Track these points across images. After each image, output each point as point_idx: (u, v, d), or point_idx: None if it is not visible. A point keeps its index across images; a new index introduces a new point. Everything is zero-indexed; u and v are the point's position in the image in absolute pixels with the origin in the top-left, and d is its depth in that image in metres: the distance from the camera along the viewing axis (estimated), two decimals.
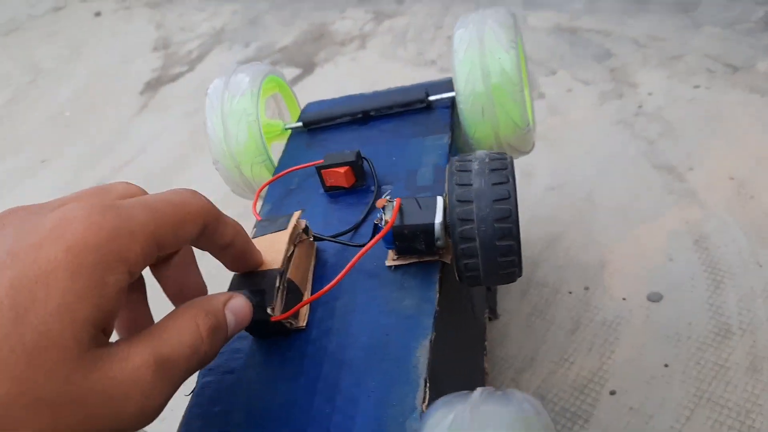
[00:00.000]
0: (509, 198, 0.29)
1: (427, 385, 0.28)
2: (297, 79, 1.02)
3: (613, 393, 0.42)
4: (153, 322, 0.28)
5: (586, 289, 0.49)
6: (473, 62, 0.41)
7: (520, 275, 0.31)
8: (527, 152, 0.45)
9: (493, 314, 0.48)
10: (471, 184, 0.30)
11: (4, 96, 1.29)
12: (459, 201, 0.29)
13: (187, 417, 0.30)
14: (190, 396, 0.31)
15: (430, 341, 0.29)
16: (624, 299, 0.48)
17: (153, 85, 1.17)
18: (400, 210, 0.32)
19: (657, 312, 0.46)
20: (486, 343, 0.44)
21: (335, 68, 1.03)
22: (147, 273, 0.28)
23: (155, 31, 1.45)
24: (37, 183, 0.92)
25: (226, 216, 0.27)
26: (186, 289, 0.29)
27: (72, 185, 0.88)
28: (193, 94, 1.08)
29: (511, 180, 0.29)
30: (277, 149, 0.48)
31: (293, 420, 0.28)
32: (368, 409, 0.27)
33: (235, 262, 0.29)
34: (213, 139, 0.44)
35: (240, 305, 0.27)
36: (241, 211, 0.61)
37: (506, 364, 0.46)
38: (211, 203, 0.26)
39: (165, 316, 0.25)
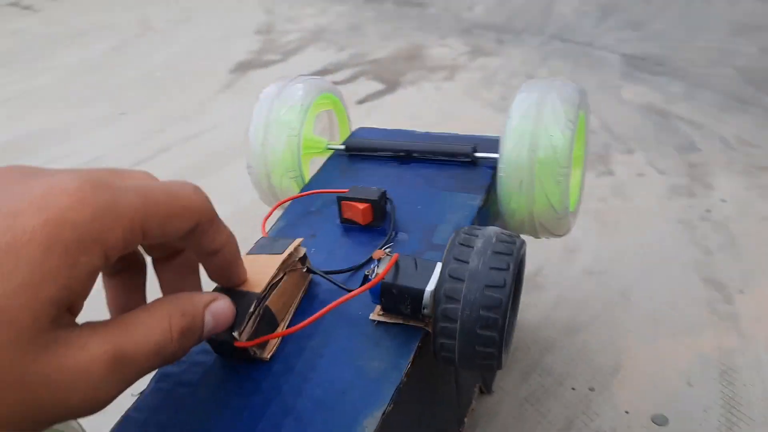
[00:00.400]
0: (503, 287, 0.27)
1: None
2: (377, 95, 1.02)
3: None
4: None
5: (591, 389, 0.46)
6: (524, 131, 0.39)
7: (499, 368, 0.29)
8: (561, 235, 0.43)
9: (487, 389, 0.46)
10: (467, 262, 0.28)
11: (109, 44, 1.34)
12: (450, 276, 0.28)
13: (124, 420, 0.29)
14: (137, 397, 0.30)
15: (383, 414, 0.27)
16: (627, 413, 0.44)
17: (244, 67, 1.19)
18: (396, 267, 0.31)
19: None
20: (466, 419, 0.42)
21: (417, 93, 1.02)
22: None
23: (264, 15, 1.49)
24: (109, 134, 0.95)
25: (221, 222, 0.26)
26: (212, 252, 0.27)
27: (140, 144, 0.90)
28: None
29: (511, 267, 0.27)
30: (317, 164, 0.47)
31: None
32: None
33: (218, 272, 0.28)
34: (251, 142, 0.44)
35: (222, 309, 0.26)
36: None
37: None
38: (210, 204, 0.25)
39: (141, 307, 0.24)
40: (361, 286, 0.31)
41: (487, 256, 0.28)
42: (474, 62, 1.12)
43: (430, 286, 0.29)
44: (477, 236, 0.29)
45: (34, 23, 1.52)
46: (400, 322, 0.31)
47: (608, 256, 0.60)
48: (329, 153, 0.47)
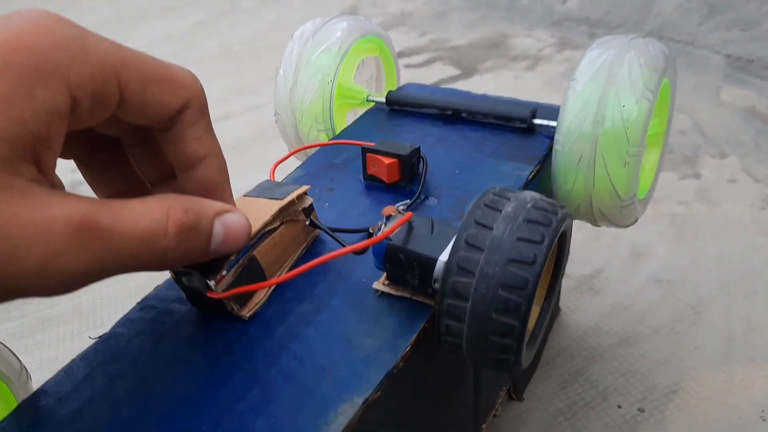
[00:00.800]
0: (532, 264, 0.21)
1: None
2: (451, 80, 0.97)
3: None
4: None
5: (641, 410, 0.39)
6: (590, 97, 0.33)
7: (517, 368, 0.23)
8: (625, 226, 0.36)
9: (517, 395, 0.40)
10: (491, 228, 0.22)
11: (197, 17, 1.36)
12: (467, 243, 0.22)
13: (72, 364, 0.25)
14: (95, 340, 0.26)
15: (365, 401, 0.22)
16: None
17: None
18: (408, 228, 0.25)
19: None
20: (484, 426, 0.36)
21: (494, 80, 0.96)
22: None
23: None
24: None
25: (211, 125, 0.23)
26: (194, 160, 0.23)
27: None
28: None
29: (546, 241, 0.21)
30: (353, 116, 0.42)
31: (177, 414, 0.22)
32: None
33: (201, 185, 0.24)
34: (279, 87, 0.39)
35: (236, 222, 0.23)
36: None
37: None
38: (204, 93, 0.22)
39: (138, 198, 0.21)
40: (367, 244, 0.26)
41: (517, 224, 0.22)
42: (560, 54, 1.05)
43: (445, 256, 0.24)
44: (509, 199, 0.23)
45: None
46: (408, 296, 0.26)
47: (682, 265, 0.52)
48: (369, 106, 0.42)
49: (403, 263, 0.25)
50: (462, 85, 0.95)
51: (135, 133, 0.25)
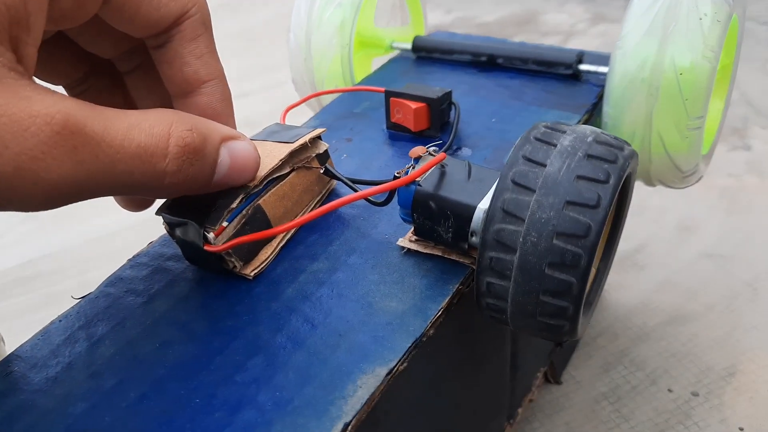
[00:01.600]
0: (597, 208, 0.17)
1: None
2: None
3: None
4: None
5: (695, 394, 0.35)
6: (642, 61, 0.28)
7: (571, 336, 0.19)
8: (683, 179, 0.32)
9: (554, 377, 0.36)
10: (544, 165, 0.18)
11: (221, 1, 1.32)
12: (514, 183, 0.18)
13: (50, 326, 0.22)
14: (77, 301, 0.23)
15: (390, 373, 0.18)
16: (741, 430, 0.33)
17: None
18: (440, 171, 0.21)
19: None
20: (520, 410, 0.32)
21: None
22: None
23: None
24: None
25: (214, 46, 0.20)
26: (194, 83, 0.21)
27: None
28: None
29: (612, 180, 0.17)
30: (378, 64, 0.38)
31: (166, 384, 0.19)
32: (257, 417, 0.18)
33: (202, 110, 0.21)
34: (293, 54, 0.35)
35: (244, 150, 0.20)
36: None
37: None
38: (207, 7, 0.20)
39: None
40: (390, 196, 0.22)
41: (576, 160, 0.18)
42: (594, 29, 1.00)
43: (485, 203, 0.20)
44: (564, 132, 0.19)
45: None
46: (438, 253, 0.22)
47: (735, 239, 0.48)
48: (393, 53, 0.38)
49: (434, 213, 0.21)
50: None
51: (130, 55, 0.22)
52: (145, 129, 0.17)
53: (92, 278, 0.49)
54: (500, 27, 1.05)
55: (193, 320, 0.21)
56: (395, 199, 0.22)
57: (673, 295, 0.43)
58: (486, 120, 0.30)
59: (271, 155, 0.24)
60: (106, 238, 0.54)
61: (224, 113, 0.21)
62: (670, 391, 0.36)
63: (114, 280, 0.23)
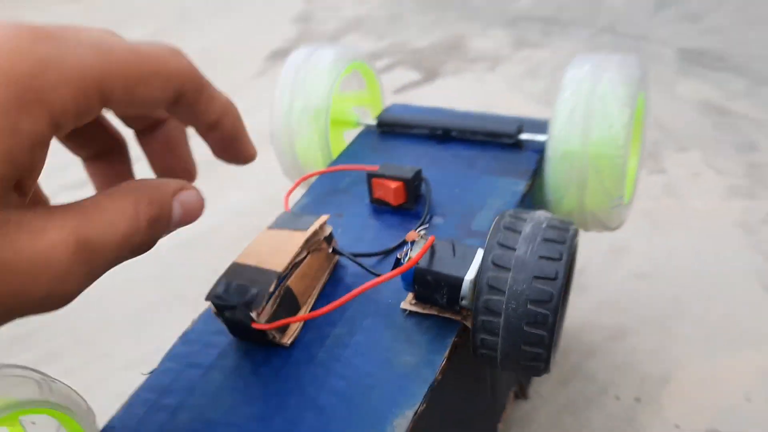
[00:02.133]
0: (555, 279, 0.23)
1: None
2: (415, 84, 0.98)
3: None
4: None
5: (637, 400, 0.42)
6: (575, 112, 0.35)
7: (546, 371, 0.25)
8: (613, 229, 0.39)
9: (522, 393, 0.42)
10: (514, 249, 0.24)
11: (148, 30, 1.33)
12: (494, 264, 0.24)
13: (132, 400, 0.26)
14: (146, 376, 0.28)
15: (415, 413, 0.24)
16: (677, 427, 0.40)
17: (280, 55, 1.17)
18: (432, 251, 0.27)
19: None
20: (500, 425, 0.38)
21: (457, 83, 0.98)
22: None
23: (302, 3, 1.46)
24: None
25: (213, 88, 0.23)
26: (172, 170, 0.26)
27: None
28: None
29: (564, 258, 0.24)
30: (348, 136, 0.44)
31: None
32: None
33: (221, 147, 0.25)
34: (276, 109, 0.41)
35: (191, 199, 0.23)
36: None
37: None
38: (195, 69, 0.22)
39: (102, 192, 0.21)
40: (393, 269, 0.28)
41: (537, 244, 0.24)
42: (518, 54, 1.08)
43: (470, 275, 0.26)
44: (525, 220, 0.25)
45: (78, 11, 1.52)
46: (435, 313, 0.28)
47: (659, 258, 0.56)
48: (358, 128, 0.44)
49: (430, 284, 0.27)
50: (426, 90, 0.97)
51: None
52: (122, 217, 0.20)
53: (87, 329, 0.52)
54: (432, 53, 1.12)
55: (248, 385, 0.26)
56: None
57: (612, 312, 0.50)
58: (450, 190, 0.36)
59: (290, 242, 0.29)
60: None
61: (239, 136, 0.25)
62: (617, 398, 0.43)
63: (172, 356, 0.28)
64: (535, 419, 0.41)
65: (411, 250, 0.27)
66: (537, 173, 0.38)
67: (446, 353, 0.26)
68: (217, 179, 0.76)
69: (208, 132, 0.24)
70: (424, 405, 0.24)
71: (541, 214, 0.26)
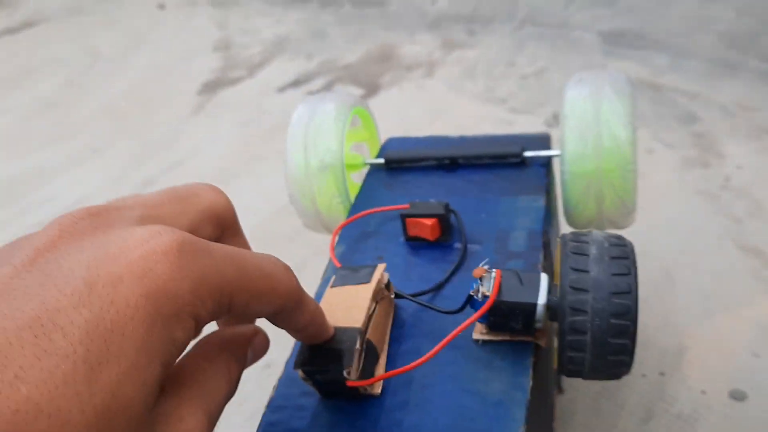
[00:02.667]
0: (630, 293, 0.26)
1: None
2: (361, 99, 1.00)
3: None
4: None
5: (662, 374, 0.46)
6: (584, 130, 0.38)
7: (627, 374, 0.28)
8: (623, 228, 0.42)
9: (559, 389, 0.45)
10: (588, 271, 0.27)
11: (61, 79, 1.27)
12: (573, 288, 0.27)
13: None
14: None
15: None
16: (703, 392, 0.44)
17: (211, 87, 1.15)
18: (500, 282, 0.30)
19: (741, 412, 0.42)
20: (554, 423, 0.41)
21: (400, 93, 1.01)
22: None
23: (217, 30, 1.44)
24: (86, 173, 0.91)
25: (307, 298, 0.25)
26: (298, 330, 0.27)
27: (122, 179, 0.87)
28: (251, 102, 1.06)
29: (633, 272, 0.26)
30: (355, 178, 0.46)
31: None
32: None
33: (302, 339, 0.28)
34: (291, 169, 0.42)
35: (261, 343, 0.27)
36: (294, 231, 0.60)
37: None
38: (299, 285, 0.24)
39: (198, 355, 0.24)
40: (464, 305, 0.30)
41: (606, 263, 0.27)
42: (450, 56, 1.11)
43: (542, 299, 0.28)
44: (588, 243, 0.28)
45: None
46: (507, 338, 0.30)
47: (639, 237, 0.59)
48: (364, 167, 0.46)
49: (505, 314, 0.29)
50: (372, 103, 0.99)
51: None
52: (221, 380, 0.24)
53: None
54: (364, 66, 1.13)
55: None
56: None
57: None
58: (475, 216, 0.39)
59: (359, 297, 0.31)
60: None
61: (321, 331, 0.27)
62: (644, 376, 0.46)
63: (266, 427, 0.29)
64: (576, 410, 0.44)
65: (482, 285, 0.29)
66: (549, 187, 0.41)
67: (530, 374, 0.29)
68: None
69: (290, 332, 0.26)
70: (526, 426, 0.27)
71: (598, 235, 0.28)
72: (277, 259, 0.23)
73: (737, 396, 0.43)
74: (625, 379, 0.46)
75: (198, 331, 0.21)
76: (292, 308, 0.24)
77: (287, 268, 0.23)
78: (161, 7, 1.60)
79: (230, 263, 0.21)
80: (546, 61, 1.02)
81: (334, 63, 1.17)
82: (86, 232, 0.20)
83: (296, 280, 0.24)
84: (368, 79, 1.08)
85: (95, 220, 0.21)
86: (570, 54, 1.02)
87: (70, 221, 0.20)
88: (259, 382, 0.44)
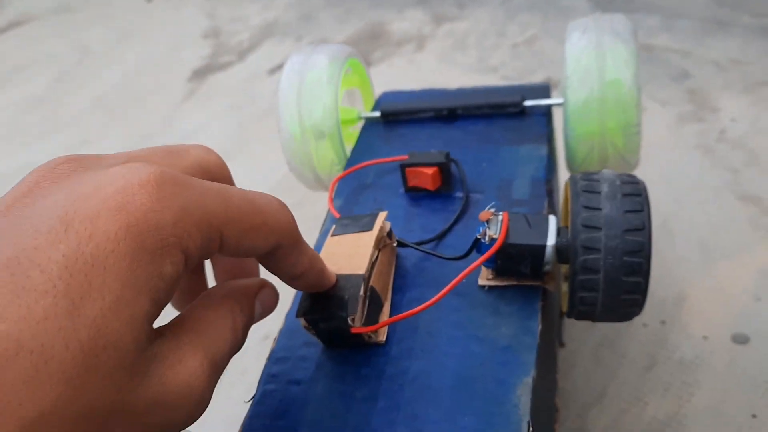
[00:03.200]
0: (644, 229, 0.25)
1: (530, 429, 0.24)
2: None
3: None
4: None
5: (663, 323, 0.46)
6: (587, 76, 0.37)
7: (638, 314, 0.28)
8: (633, 165, 0.41)
9: (560, 342, 0.45)
10: (600, 209, 0.26)
11: (51, 75, 1.26)
12: (585, 226, 0.26)
13: (246, 427, 0.27)
14: (250, 403, 0.28)
15: (533, 379, 0.26)
16: (705, 338, 0.44)
17: (201, 73, 1.14)
18: (508, 225, 0.29)
19: (743, 355, 0.42)
20: (557, 375, 0.40)
21: (391, 69, 1.00)
22: None
23: (206, 20, 1.42)
24: None
25: (305, 244, 0.24)
26: (237, 275, 0.27)
27: None
28: (242, 85, 1.05)
29: (646, 209, 0.26)
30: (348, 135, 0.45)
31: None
32: None
33: (301, 287, 0.27)
34: (286, 139, 0.41)
35: (269, 296, 0.26)
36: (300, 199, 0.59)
37: (572, 398, 0.42)
38: (295, 224, 0.23)
39: (201, 305, 0.23)
40: (470, 250, 0.30)
41: (618, 200, 0.26)
42: (440, 29, 1.10)
43: (551, 241, 0.28)
44: (598, 181, 0.27)
45: None
46: (514, 282, 0.30)
47: None
48: (359, 122, 0.45)
49: (513, 257, 0.28)
50: None
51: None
52: (226, 327, 0.22)
53: None
54: (355, 44, 1.12)
55: (358, 388, 0.27)
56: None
57: None
58: (477, 166, 0.38)
59: (361, 244, 0.30)
60: None
61: (320, 280, 0.27)
62: (645, 325, 0.46)
63: (268, 378, 0.28)
64: (577, 361, 0.44)
65: (489, 229, 0.29)
66: (550, 136, 0.40)
67: (539, 317, 0.28)
68: None
69: (289, 280, 0.25)
70: (535, 371, 0.26)
71: (608, 173, 0.28)
72: (273, 196, 0.23)
73: (740, 339, 0.43)
74: (626, 329, 0.46)
75: (189, 266, 0.19)
76: (288, 248, 0.23)
77: (282, 204, 0.23)
78: (149, 0, 1.57)
79: (215, 195, 0.20)
80: (537, 29, 1.01)
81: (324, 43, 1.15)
82: (63, 176, 0.19)
83: (292, 217, 0.23)
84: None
85: (74, 164, 0.20)
86: (561, 21, 1.00)
87: (48, 168, 0.20)
88: (258, 353, 0.43)
